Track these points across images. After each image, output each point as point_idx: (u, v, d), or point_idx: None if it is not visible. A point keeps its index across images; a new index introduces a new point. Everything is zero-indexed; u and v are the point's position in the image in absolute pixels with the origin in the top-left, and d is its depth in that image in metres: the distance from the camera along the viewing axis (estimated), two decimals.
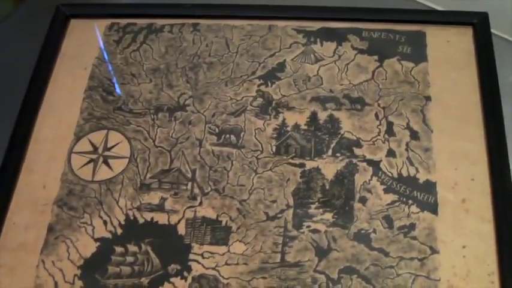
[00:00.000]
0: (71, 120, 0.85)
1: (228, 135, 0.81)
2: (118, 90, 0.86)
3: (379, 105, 0.82)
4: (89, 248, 0.76)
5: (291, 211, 0.76)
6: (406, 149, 0.79)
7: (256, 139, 0.80)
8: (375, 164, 0.78)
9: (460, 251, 0.72)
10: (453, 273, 0.71)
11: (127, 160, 0.81)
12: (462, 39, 0.88)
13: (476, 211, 0.74)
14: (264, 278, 0.72)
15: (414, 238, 0.73)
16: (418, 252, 0.72)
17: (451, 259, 0.72)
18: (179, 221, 0.76)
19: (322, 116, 0.82)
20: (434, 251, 0.72)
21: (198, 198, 0.77)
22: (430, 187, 0.76)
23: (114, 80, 0.87)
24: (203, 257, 0.74)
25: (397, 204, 0.75)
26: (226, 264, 0.73)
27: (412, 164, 0.77)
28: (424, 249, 0.72)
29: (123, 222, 0.77)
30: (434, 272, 0.71)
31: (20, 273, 0.75)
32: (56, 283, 0.74)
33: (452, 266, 0.71)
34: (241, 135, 0.81)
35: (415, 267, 0.71)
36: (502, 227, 0.73)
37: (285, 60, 0.88)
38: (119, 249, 0.75)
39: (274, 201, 0.76)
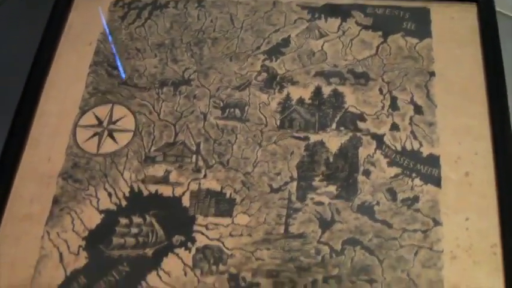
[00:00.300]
0: (76, 95, 0.85)
1: (232, 109, 0.81)
2: (124, 64, 0.85)
3: (383, 80, 0.82)
4: (93, 219, 0.76)
5: (294, 184, 0.76)
6: (410, 123, 0.78)
7: (261, 113, 0.80)
8: (378, 138, 0.78)
9: (463, 223, 0.72)
10: (456, 244, 0.71)
11: (132, 133, 0.81)
12: (466, 16, 0.87)
13: (479, 184, 0.74)
14: (267, 249, 0.72)
15: (417, 210, 0.73)
16: (421, 224, 0.72)
17: (454, 231, 0.72)
18: (184, 193, 0.76)
19: (326, 90, 0.82)
20: (437, 223, 0.72)
21: (203, 171, 0.77)
22: (433, 161, 0.76)
23: (119, 55, 0.86)
24: (207, 229, 0.73)
25: (400, 177, 0.75)
26: (231, 235, 0.73)
27: (415, 137, 0.77)
28: (427, 222, 0.72)
29: (127, 195, 0.76)
30: (438, 244, 0.71)
31: (25, 244, 0.75)
32: (60, 254, 0.73)
33: (456, 238, 0.71)
34: (246, 109, 0.81)
35: (418, 239, 0.71)
36: (504, 200, 0.73)
37: (289, 36, 0.87)
38: (123, 220, 0.75)
39: (278, 174, 0.76)
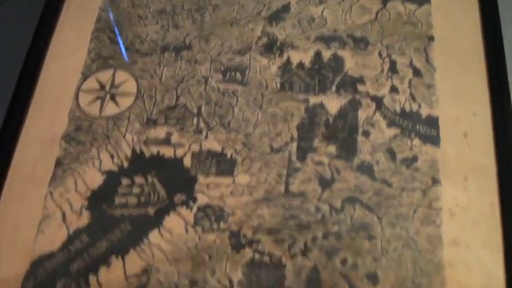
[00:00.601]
0: (78, 61, 0.85)
1: (233, 73, 0.80)
2: (125, 31, 0.85)
3: (382, 44, 0.81)
4: (96, 180, 0.75)
5: (295, 144, 0.75)
6: (409, 86, 0.78)
7: (261, 76, 0.79)
8: (378, 100, 0.77)
9: (461, 182, 0.71)
10: (455, 203, 0.70)
11: (134, 97, 0.80)
12: None
13: (478, 145, 0.74)
14: (268, 207, 0.71)
15: (416, 170, 0.72)
16: (420, 183, 0.71)
17: (453, 190, 0.71)
18: (185, 154, 0.76)
19: (326, 54, 0.81)
20: (436, 182, 0.71)
21: (204, 133, 0.77)
22: (432, 122, 0.75)
23: (121, 22, 0.86)
24: (208, 188, 0.73)
25: (399, 137, 0.75)
26: (231, 194, 0.72)
27: (414, 99, 0.77)
28: (426, 181, 0.72)
29: (129, 156, 0.76)
30: (436, 202, 0.70)
31: (28, 205, 0.74)
32: (63, 214, 0.73)
33: (454, 197, 0.71)
34: (246, 73, 0.80)
35: (417, 198, 0.71)
36: (502, 159, 0.73)
37: (289, 3, 0.87)
38: (125, 181, 0.74)
39: (278, 135, 0.75)
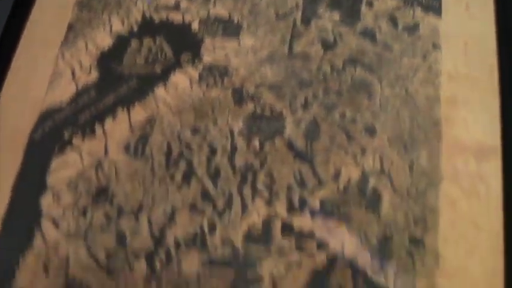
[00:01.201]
0: None
1: None
2: None
3: None
4: (106, 42, 0.74)
5: (300, 12, 0.73)
6: None
7: None
8: None
9: (462, 47, 0.70)
10: (454, 67, 0.69)
11: None
12: None
13: (479, 15, 0.73)
14: (271, 66, 0.69)
15: (418, 36, 0.70)
16: (420, 49, 0.70)
17: (452, 55, 0.70)
18: (193, 19, 0.74)
19: None
20: (436, 47, 0.70)
21: (212, 1, 0.75)
22: None
23: None
24: (214, 49, 0.71)
25: (402, 8, 0.73)
26: (236, 55, 0.70)
27: None
28: (427, 46, 0.70)
29: (139, 21, 0.74)
30: (436, 65, 0.69)
31: (40, 66, 0.73)
32: (73, 72, 0.71)
33: (454, 61, 0.69)
34: None
35: (417, 62, 0.69)
36: (502, 27, 0.71)
37: None
38: (134, 42, 0.73)
39: (284, 3, 0.73)
